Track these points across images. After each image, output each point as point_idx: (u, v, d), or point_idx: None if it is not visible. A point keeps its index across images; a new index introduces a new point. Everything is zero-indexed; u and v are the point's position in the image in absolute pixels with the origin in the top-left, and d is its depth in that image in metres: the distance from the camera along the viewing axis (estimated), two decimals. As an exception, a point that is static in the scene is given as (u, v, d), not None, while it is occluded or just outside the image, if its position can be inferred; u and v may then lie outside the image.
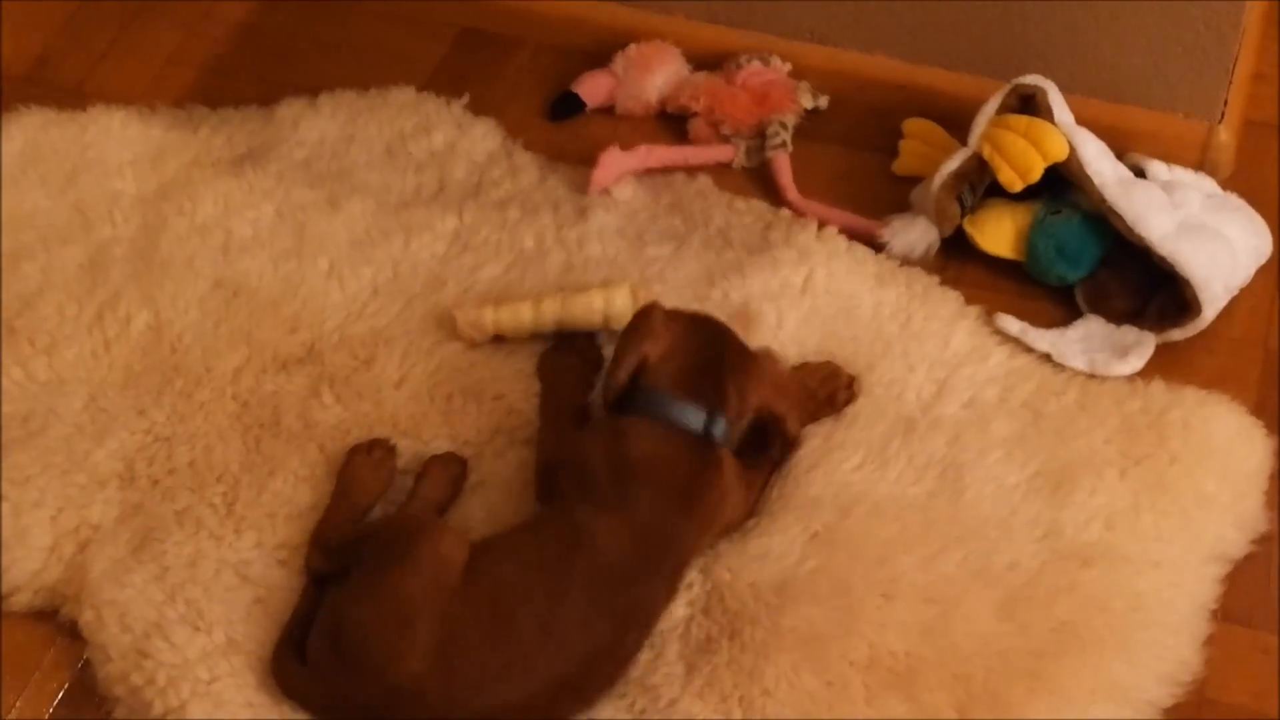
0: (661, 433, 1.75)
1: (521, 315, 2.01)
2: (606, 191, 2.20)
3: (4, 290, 2.13)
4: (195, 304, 2.10)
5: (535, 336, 2.03)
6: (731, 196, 2.20)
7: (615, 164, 2.21)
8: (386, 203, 2.21)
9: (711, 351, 1.80)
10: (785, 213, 2.18)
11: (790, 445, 1.86)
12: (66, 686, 1.81)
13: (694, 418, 1.76)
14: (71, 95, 2.41)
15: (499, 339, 2.03)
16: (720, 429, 1.76)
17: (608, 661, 1.71)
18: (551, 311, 2.00)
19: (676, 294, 2.04)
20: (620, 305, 1.98)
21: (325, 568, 1.81)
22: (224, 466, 1.94)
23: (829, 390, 1.94)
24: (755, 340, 1.96)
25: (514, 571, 1.70)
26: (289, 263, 2.14)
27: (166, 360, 2.05)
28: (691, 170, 2.25)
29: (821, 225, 2.14)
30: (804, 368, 1.96)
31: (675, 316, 1.84)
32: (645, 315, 1.81)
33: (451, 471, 1.90)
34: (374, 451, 1.91)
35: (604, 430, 1.79)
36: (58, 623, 1.86)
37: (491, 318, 2.01)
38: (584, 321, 1.99)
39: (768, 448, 1.86)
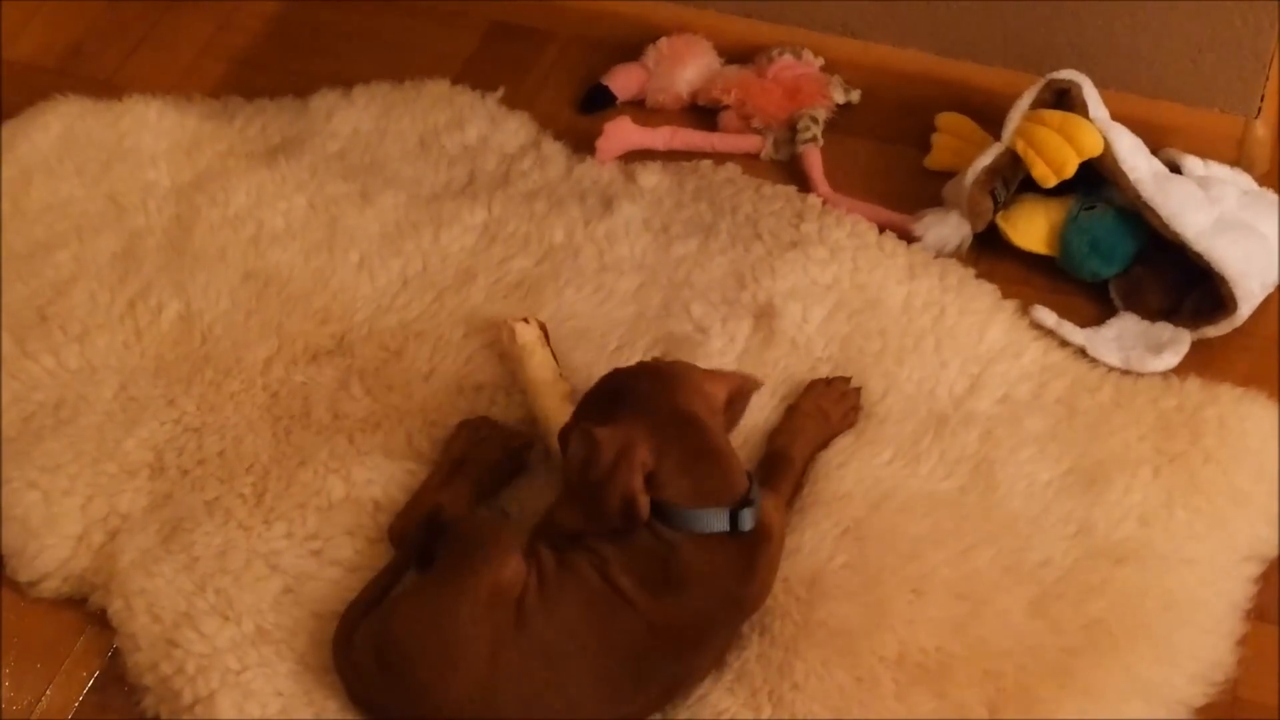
0: (701, 540, 1.67)
1: (539, 371, 1.93)
2: (632, 179, 2.21)
3: (37, 278, 2.14)
4: (226, 294, 2.11)
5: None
6: (760, 182, 2.20)
7: (620, 135, 2.24)
8: (418, 196, 2.22)
9: (692, 439, 1.70)
10: (814, 200, 2.17)
11: (794, 469, 1.81)
12: (96, 675, 1.82)
13: (720, 521, 1.68)
14: (103, 87, 2.42)
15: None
16: (748, 518, 1.68)
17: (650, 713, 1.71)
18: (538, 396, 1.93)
19: (704, 298, 2.05)
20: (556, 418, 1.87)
21: (399, 538, 1.81)
22: (254, 457, 1.95)
23: (843, 409, 1.91)
24: (779, 335, 1.99)
25: (570, 624, 1.66)
26: (320, 255, 2.15)
27: (197, 350, 2.06)
28: (719, 158, 2.25)
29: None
30: (816, 386, 1.93)
31: (635, 421, 1.69)
32: (628, 449, 1.66)
33: (500, 448, 1.88)
34: (480, 429, 1.89)
35: (648, 542, 1.68)
36: (87, 611, 1.86)
37: (528, 341, 1.94)
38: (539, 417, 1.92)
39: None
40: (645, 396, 1.72)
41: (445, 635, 1.64)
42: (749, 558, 1.69)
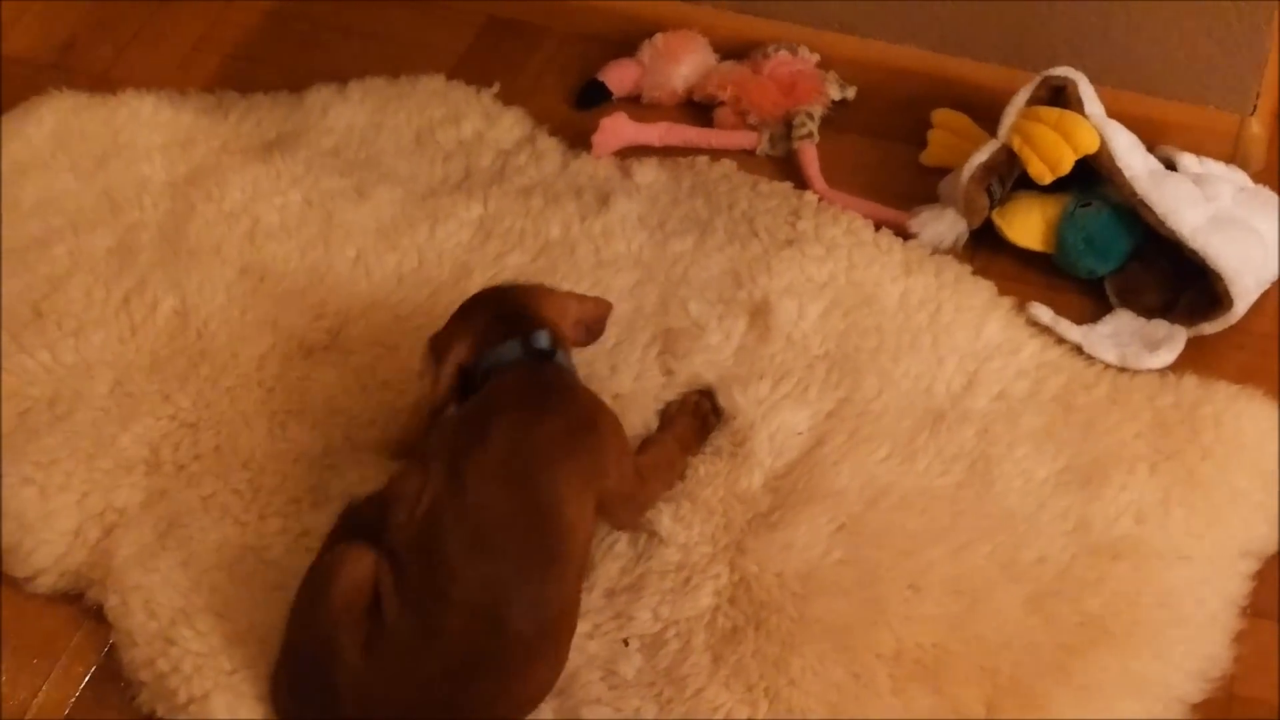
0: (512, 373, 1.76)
1: None
2: (628, 175, 2.21)
3: (31, 273, 2.13)
4: (222, 290, 2.10)
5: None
6: (756, 179, 2.21)
7: (616, 131, 2.25)
8: (413, 191, 2.21)
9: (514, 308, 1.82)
10: (810, 196, 2.17)
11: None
12: (93, 670, 1.82)
13: (512, 349, 1.76)
14: (98, 81, 2.42)
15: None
16: (543, 338, 1.76)
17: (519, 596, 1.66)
18: None
19: (700, 296, 2.05)
20: None
21: None
22: (249, 453, 1.95)
23: (698, 419, 1.93)
24: (775, 331, 1.99)
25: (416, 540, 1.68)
26: (316, 250, 2.14)
27: (193, 346, 2.05)
28: (715, 154, 2.25)
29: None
30: (666, 410, 1.95)
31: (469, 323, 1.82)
32: (445, 351, 1.80)
33: None
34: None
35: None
36: (84, 606, 1.86)
37: None
38: None
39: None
40: (484, 302, 1.84)
41: (317, 629, 1.66)
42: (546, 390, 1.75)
